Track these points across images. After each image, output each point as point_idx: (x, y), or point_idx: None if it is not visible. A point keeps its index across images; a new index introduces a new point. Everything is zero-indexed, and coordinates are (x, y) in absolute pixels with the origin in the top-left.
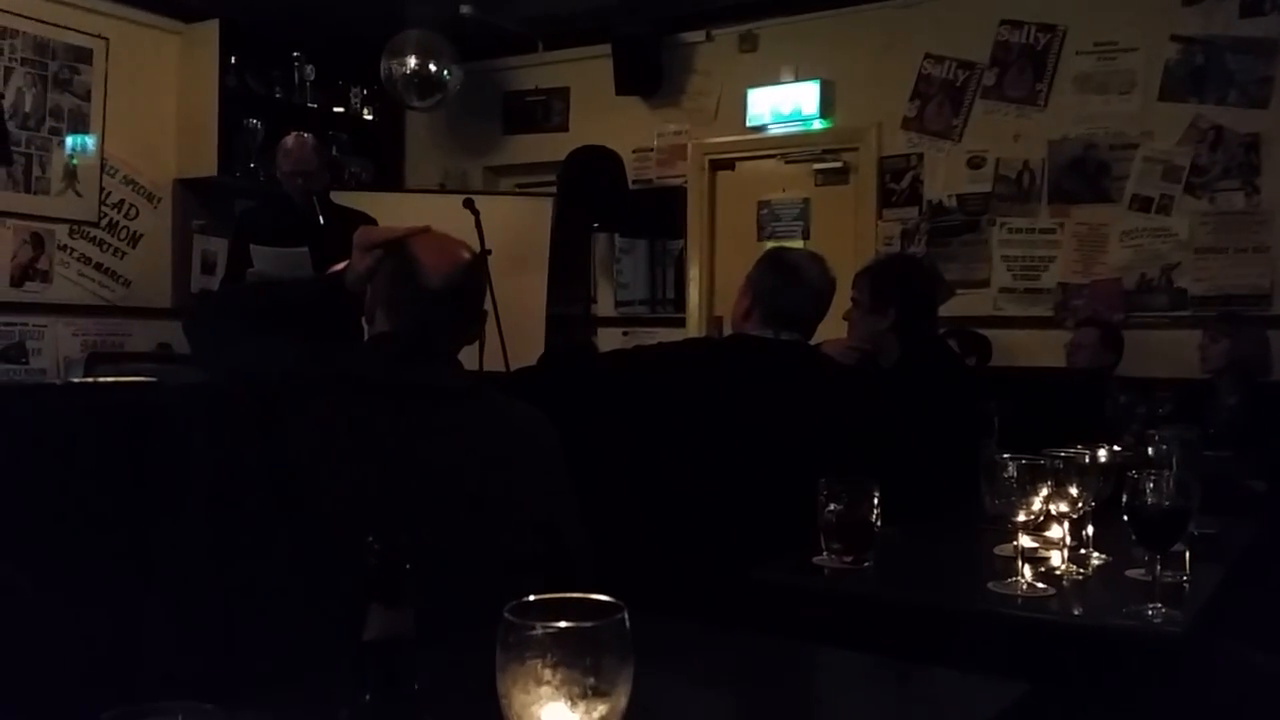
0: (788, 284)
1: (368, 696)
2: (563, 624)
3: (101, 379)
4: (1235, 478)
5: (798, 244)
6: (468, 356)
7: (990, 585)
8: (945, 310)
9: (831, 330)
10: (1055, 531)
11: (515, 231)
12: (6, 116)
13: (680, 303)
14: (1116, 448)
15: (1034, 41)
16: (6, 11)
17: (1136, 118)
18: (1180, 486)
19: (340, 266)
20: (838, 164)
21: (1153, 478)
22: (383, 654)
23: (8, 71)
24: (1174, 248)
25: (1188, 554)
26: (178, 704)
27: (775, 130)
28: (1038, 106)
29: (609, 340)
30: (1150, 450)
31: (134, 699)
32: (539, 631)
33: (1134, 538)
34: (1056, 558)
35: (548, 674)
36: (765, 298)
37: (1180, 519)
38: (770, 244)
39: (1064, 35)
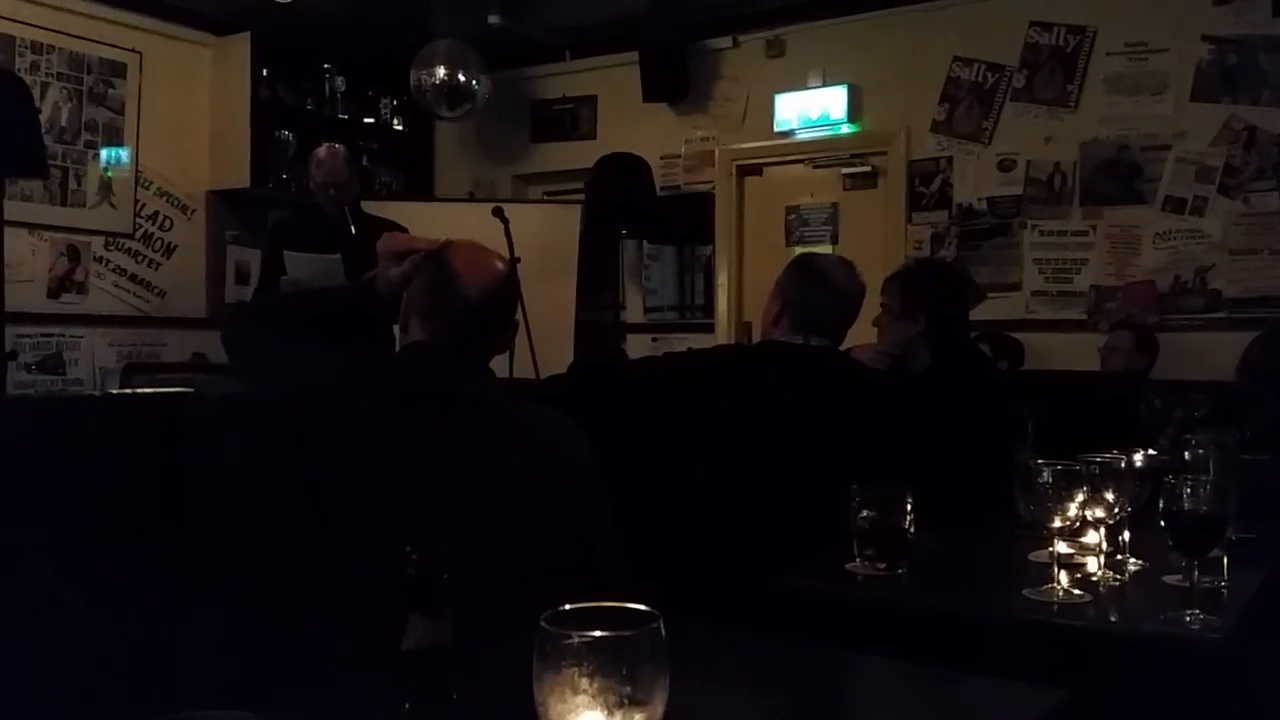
0: (817, 289)
1: (407, 705)
2: (599, 633)
3: (139, 389)
4: (1273, 482)
5: (826, 249)
6: (498, 364)
7: (1026, 592)
8: (977, 314)
9: (862, 336)
10: (1091, 537)
11: (544, 239)
12: (43, 130)
13: (709, 309)
14: (1152, 452)
15: (1064, 43)
16: (42, 28)
17: (1169, 119)
18: (1218, 491)
19: (371, 274)
20: (866, 168)
21: (1190, 482)
22: (421, 663)
23: (44, 86)
24: (1208, 249)
25: (1226, 559)
26: (219, 713)
27: (803, 135)
28: (1068, 108)
29: (638, 347)
30: (1187, 454)
31: (173, 707)
32: (575, 640)
33: (1171, 543)
34: (1093, 564)
35: (584, 683)
36: (795, 303)
37: (1218, 524)
38: (799, 249)
39: (1094, 36)
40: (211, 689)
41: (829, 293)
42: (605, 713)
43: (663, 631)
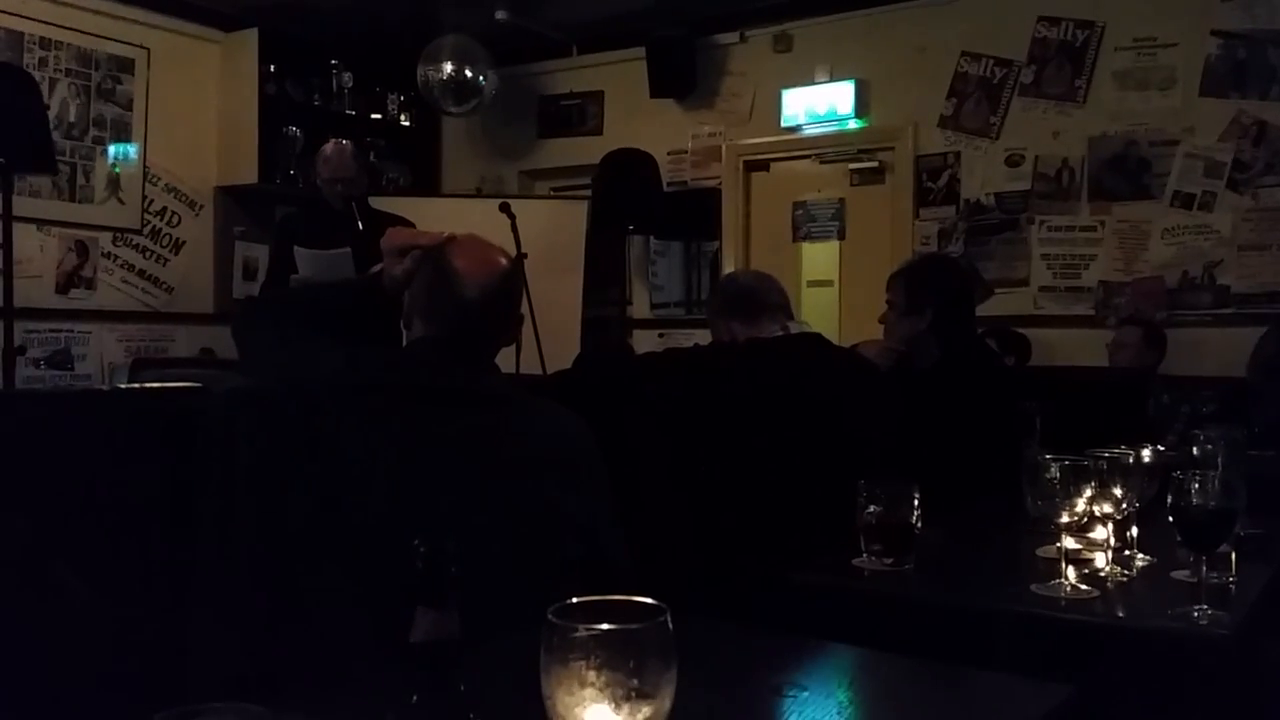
0: (733, 286)
1: (414, 698)
2: (606, 626)
3: (147, 384)
4: None
5: (833, 245)
6: (505, 359)
7: (1033, 587)
8: (984, 310)
9: (867, 332)
10: (1099, 533)
11: (551, 235)
12: (51, 126)
13: None
14: (1160, 448)
15: (1072, 38)
16: (51, 24)
17: (1177, 114)
18: (1226, 487)
19: (377, 269)
20: (873, 163)
21: (1198, 478)
22: (429, 656)
23: (52, 82)
24: (1216, 245)
25: (1234, 555)
26: (228, 705)
27: (810, 130)
28: (1077, 103)
29: (644, 343)
30: (1195, 450)
31: (183, 700)
32: (583, 633)
33: (1179, 539)
34: (1100, 559)
35: (591, 676)
36: (730, 308)
37: (1226, 520)
38: (805, 245)
39: (1102, 31)
40: (220, 682)
41: (742, 281)
42: (613, 705)
43: (670, 625)
